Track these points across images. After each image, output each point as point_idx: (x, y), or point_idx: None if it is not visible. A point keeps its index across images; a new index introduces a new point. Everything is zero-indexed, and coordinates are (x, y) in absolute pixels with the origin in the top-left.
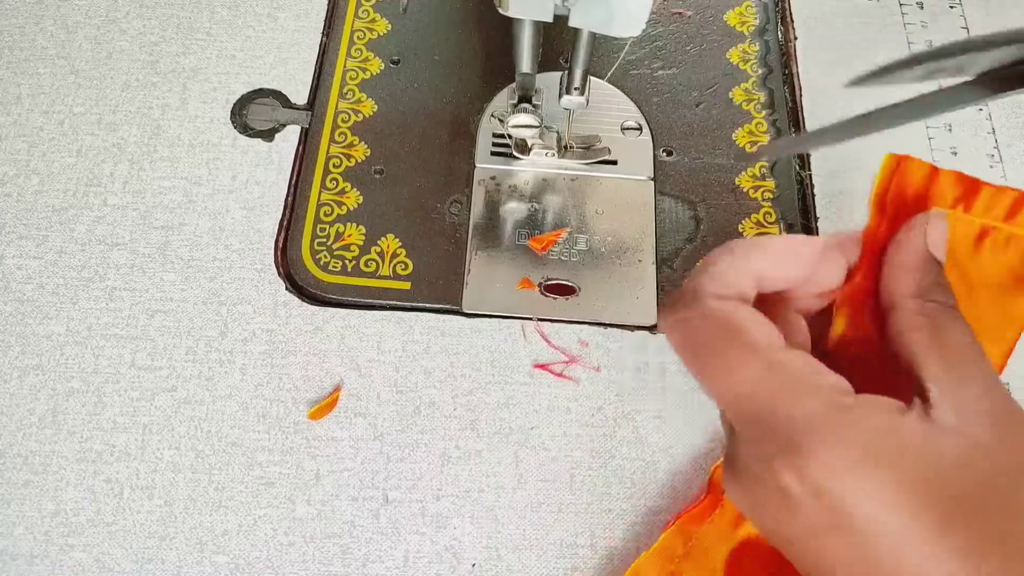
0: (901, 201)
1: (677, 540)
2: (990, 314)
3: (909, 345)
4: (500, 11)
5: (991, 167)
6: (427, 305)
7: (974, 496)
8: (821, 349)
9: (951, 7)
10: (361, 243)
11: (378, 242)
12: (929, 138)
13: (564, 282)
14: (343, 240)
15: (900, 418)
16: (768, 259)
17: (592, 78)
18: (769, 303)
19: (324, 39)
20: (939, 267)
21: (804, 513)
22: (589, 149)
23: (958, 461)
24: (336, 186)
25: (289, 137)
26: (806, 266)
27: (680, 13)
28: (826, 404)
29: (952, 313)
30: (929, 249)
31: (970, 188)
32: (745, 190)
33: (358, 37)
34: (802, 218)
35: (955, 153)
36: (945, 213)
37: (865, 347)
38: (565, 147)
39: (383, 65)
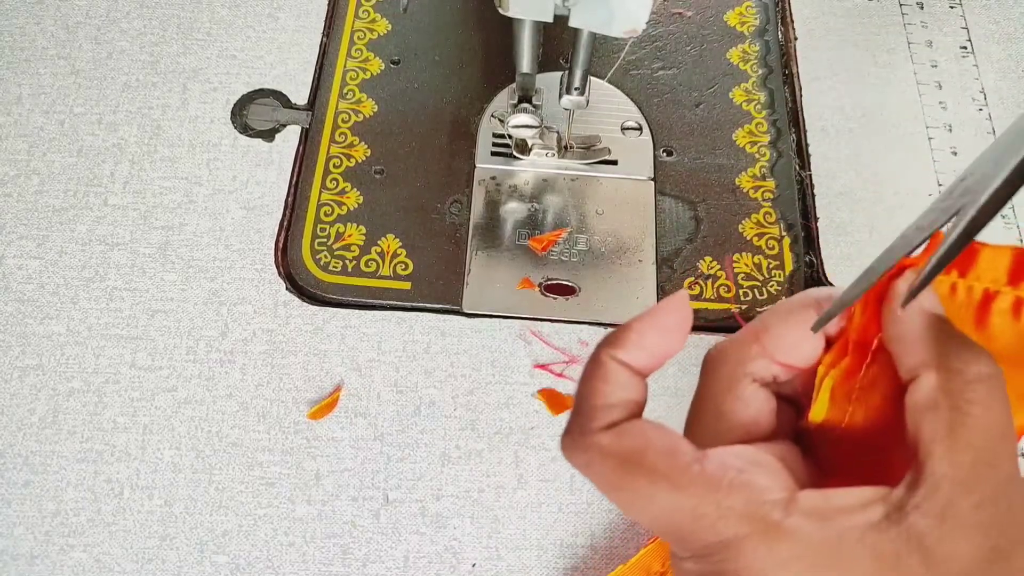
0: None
1: (656, 558)
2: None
3: (919, 425)
4: (500, 11)
5: None
6: (427, 305)
7: None
8: (801, 426)
9: (951, 7)
10: (361, 243)
11: (378, 242)
12: (929, 138)
13: (564, 282)
14: (343, 240)
15: (849, 524)
16: (639, 350)
17: (592, 78)
18: (718, 373)
19: (324, 39)
20: (949, 323)
21: None
22: (589, 149)
23: None
24: (336, 186)
25: (289, 137)
26: (680, 329)
27: (680, 13)
28: (751, 525)
29: (985, 392)
30: (928, 308)
31: (967, 251)
32: (745, 190)
33: (358, 37)
34: (802, 218)
35: (955, 153)
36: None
37: (850, 430)
38: (565, 147)
39: (383, 65)
